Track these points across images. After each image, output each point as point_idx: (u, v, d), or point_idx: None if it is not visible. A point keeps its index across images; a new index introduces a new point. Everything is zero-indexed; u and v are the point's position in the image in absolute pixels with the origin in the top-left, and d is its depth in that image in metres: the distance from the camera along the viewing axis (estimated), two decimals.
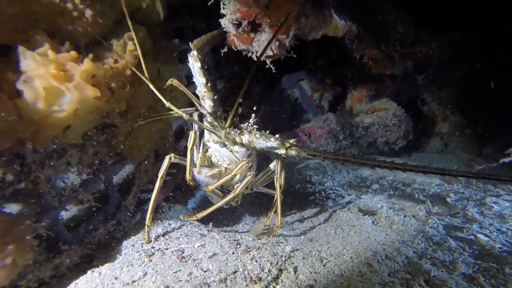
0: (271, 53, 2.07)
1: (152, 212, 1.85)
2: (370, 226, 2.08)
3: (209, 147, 2.03)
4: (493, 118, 3.97)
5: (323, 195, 3.04)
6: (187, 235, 1.90)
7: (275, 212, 2.10)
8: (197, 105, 1.96)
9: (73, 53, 1.52)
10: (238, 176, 1.93)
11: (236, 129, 1.85)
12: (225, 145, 1.96)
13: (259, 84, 4.47)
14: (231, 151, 1.96)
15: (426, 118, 4.65)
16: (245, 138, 1.77)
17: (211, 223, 2.24)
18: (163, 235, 1.90)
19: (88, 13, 1.64)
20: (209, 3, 2.01)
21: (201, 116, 2.02)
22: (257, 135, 1.74)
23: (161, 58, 2.20)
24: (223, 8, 1.99)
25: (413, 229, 2.06)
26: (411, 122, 4.24)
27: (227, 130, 1.81)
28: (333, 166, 4.05)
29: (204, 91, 1.88)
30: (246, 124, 1.97)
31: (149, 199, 1.88)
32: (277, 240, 1.85)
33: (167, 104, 1.65)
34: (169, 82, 1.91)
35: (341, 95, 4.60)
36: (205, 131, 2.00)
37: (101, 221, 1.80)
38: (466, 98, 4.35)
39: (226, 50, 2.22)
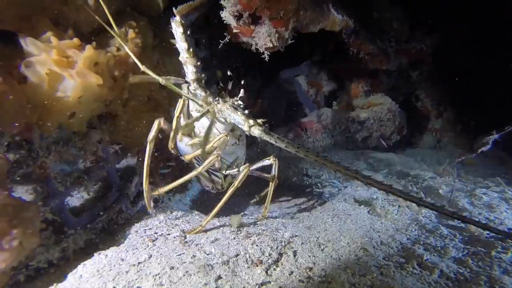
0: (271, 45, 2.11)
1: (148, 179, 1.82)
2: (365, 215, 2.15)
3: (193, 117, 1.95)
4: (483, 114, 4.08)
5: (320, 187, 3.11)
6: (188, 222, 1.94)
7: (272, 202, 2.13)
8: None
9: (75, 40, 1.54)
10: (216, 149, 1.85)
11: (218, 99, 1.78)
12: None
13: (256, 79, 4.50)
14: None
15: (420, 114, 4.74)
16: (219, 106, 1.71)
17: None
18: (165, 222, 1.94)
19: (92, 1, 1.66)
20: None
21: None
22: (228, 106, 1.67)
23: (161, 48, 2.23)
24: (224, 0, 2.01)
25: (407, 218, 2.14)
26: (405, 118, 4.33)
27: (207, 95, 1.75)
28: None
29: (186, 57, 1.82)
30: (233, 98, 1.91)
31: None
32: (276, 227, 1.90)
33: (142, 67, 1.55)
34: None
35: (337, 90, 4.66)
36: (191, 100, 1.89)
37: (104, 207, 1.83)
38: (458, 95, 4.45)
39: (227, 41, 2.25)
